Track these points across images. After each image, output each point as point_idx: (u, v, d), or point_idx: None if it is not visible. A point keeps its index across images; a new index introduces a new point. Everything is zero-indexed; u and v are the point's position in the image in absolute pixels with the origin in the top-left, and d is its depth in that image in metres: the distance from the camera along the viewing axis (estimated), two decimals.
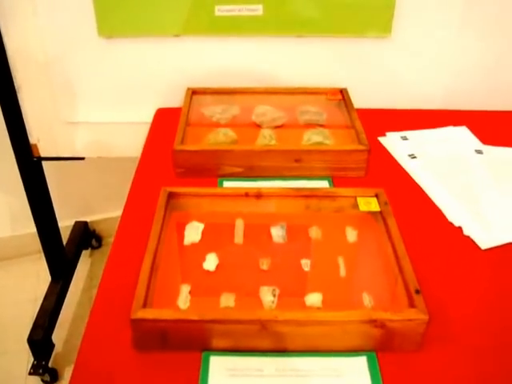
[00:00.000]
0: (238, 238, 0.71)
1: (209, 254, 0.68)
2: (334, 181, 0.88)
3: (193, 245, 0.70)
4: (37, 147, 1.15)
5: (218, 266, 0.66)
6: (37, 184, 1.23)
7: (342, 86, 1.05)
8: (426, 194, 0.86)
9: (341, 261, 0.68)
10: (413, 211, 0.81)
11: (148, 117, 1.08)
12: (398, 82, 1.10)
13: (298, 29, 1.03)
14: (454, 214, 0.81)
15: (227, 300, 0.61)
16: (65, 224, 1.54)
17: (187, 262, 0.67)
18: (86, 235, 1.64)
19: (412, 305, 0.58)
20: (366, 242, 0.73)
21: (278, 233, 0.72)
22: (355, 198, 0.75)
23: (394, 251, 0.65)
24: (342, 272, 0.67)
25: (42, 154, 1.17)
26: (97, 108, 1.12)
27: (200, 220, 0.74)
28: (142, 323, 0.55)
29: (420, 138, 1.03)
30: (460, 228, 0.78)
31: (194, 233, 0.71)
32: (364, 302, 0.62)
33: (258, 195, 0.75)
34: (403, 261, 0.63)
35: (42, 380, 1.27)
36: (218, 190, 0.76)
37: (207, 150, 0.86)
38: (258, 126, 0.99)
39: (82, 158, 1.21)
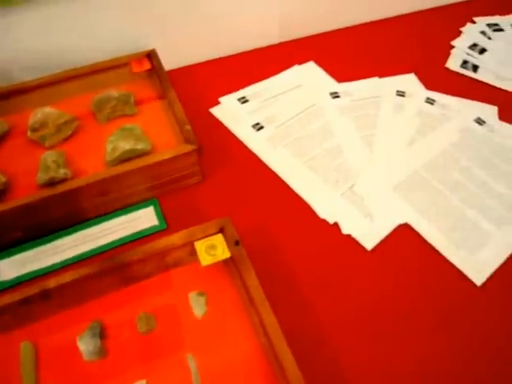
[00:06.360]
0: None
1: None
2: (162, 202, 0.62)
3: None
4: None
5: None
6: None
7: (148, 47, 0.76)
8: (289, 187, 0.64)
9: (192, 365, 0.46)
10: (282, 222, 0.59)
11: None
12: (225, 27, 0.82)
13: None
14: (326, 211, 0.61)
15: None
16: None
17: None
18: None
19: None
20: (222, 311, 0.50)
21: (87, 346, 0.47)
22: (192, 243, 0.51)
23: (266, 336, 0.44)
24: None
25: None
26: None
27: None
28: None
29: (264, 93, 0.78)
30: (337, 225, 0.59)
31: None
32: None
33: (45, 295, 0.48)
34: (282, 354, 0.42)
35: None
36: None
37: None
38: (41, 145, 0.68)
39: None
